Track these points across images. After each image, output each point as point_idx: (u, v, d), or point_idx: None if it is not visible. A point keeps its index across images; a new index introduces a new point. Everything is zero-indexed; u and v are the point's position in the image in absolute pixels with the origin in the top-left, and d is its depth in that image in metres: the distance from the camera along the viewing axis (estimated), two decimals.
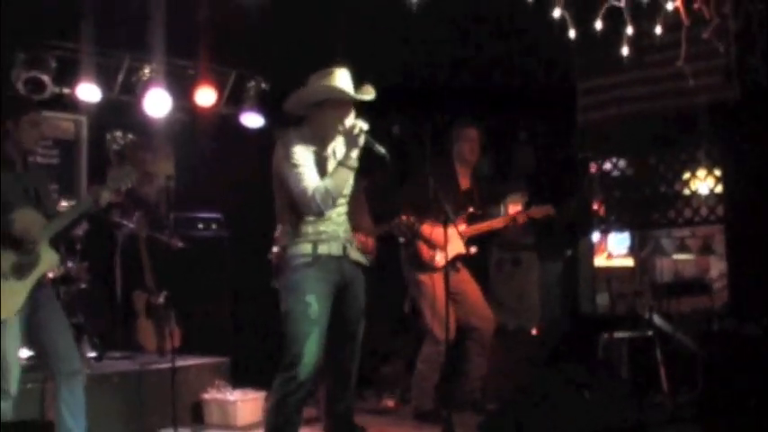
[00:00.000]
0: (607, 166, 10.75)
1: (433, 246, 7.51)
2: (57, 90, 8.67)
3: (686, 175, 9.90)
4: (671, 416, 7.52)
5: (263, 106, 9.62)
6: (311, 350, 5.33)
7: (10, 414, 5.51)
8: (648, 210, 10.54)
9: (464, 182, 7.81)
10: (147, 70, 9.02)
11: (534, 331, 9.41)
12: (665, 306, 8.89)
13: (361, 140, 5.42)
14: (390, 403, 8.42)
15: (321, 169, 5.44)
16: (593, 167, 10.79)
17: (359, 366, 6.16)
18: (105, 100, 8.92)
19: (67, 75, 8.72)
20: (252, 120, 9.66)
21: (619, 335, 8.44)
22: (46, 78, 8.43)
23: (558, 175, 10.31)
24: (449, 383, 7.29)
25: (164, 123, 9.26)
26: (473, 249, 7.63)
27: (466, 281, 7.81)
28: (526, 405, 6.44)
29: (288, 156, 5.40)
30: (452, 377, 7.63)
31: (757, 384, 7.39)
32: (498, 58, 8.84)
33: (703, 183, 9.60)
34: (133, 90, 9.11)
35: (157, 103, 8.99)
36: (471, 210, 7.67)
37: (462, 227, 7.58)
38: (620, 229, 11.47)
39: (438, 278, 7.37)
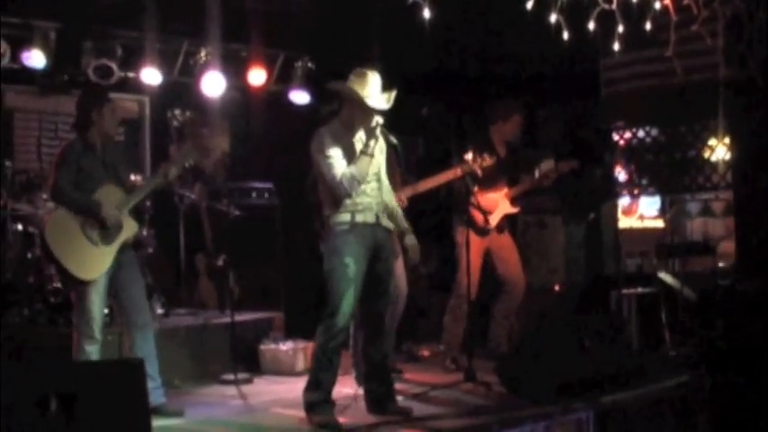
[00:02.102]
0: (640, 134, 11.40)
1: (483, 210, 8.26)
2: (122, 74, 9.18)
3: (712, 142, 10.51)
4: (669, 364, 8.16)
5: (309, 84, 10.00)
6: (348, 303, 6.17)
7: (96, 357, 6.37)
8: (677, 174, 11.17)
9: (501, 152, 8.50)
10: (203, 54, 9.49)
11: (557, 289, 10.09)
12: (673, 265, 9.51)
13: (378, 132, 6.28)
14: (425, 353, 9.13)
15: (348, 157, 6.26)
16: (620, 137, 11.44)
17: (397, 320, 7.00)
18: (166, 82, 9.39)
19: (132, 60, 9.23)
20: (299, 97, 10.08)
21: (627, 291, 9.12)
22: (113, 65, 9.01)
23: (583, 144, 10.95)
24: (473, 335, 8.03)
25: (219, 102, 9.71)
26: (517, 208, 8.52)
27: (509, 247, 8.55)
28: (535, 350, 7.09)
29: (320, 148, 6.26)
30: (477, 331, 8.36)
31: (752, 338, 8.06)
32: (523, 41, 9.38)
33: (724, 150, 10.18)
34: (191, 72, 9.59)
35: (213, 83, 9.43)
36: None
37: (505, 190, 8.46)
38: (650, 193, 12.08)
39: (480, 240, 8.25)
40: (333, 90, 6.59)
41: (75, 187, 6.38)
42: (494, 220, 8.36)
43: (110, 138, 6.70)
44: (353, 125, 6.40)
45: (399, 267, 7.86)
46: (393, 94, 6.34)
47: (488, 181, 8.27)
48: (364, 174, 6.27)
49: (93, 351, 6.36)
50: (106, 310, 6.85)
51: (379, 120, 6.29)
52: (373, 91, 6.30)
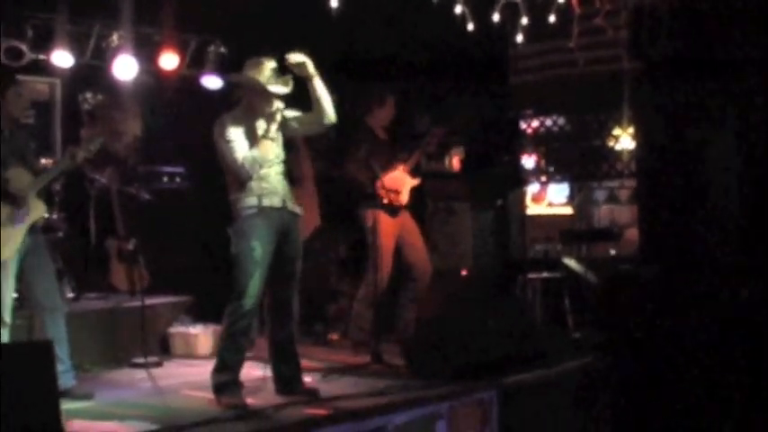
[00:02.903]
0: (548, 122, 11.64)
1: (392, 189, 8.47)
2: (33, 57, 9.05)
3: (617, 132, 10.76)
4: (572, 346, 8.39)
5: (221, 69, 9.93)
6: (255, 285, 6.29)
7: (5, 340, 6.35)
8: (583, 162, 11.43)
9: (382, 136, 8.80)
10: (115, 37, 9.38)
11: (464, 273, 10.25)
12: (578, 251, 9.76)
13: (278, 117, 6.47)
14: (335, 336, 9.24)
15: (250, 141, 6.42)
16: (528, 125, 11.67)
17: (307, 304, 7.13)
18: (77, 64, 9.27)
19: (43, 42, 9.07)
20: (212, 81, 10.02)
21: (532, 276, 9.34)
22: (23, 47, 8.91)
23: (491, 132, 11.14)
24: (381, 319, 8.15)
25: (131, 86, 9.60)
26: (419, 179, 8.72)
27: (416, 232, 8.73)
28: (441, 332, 7.26)
29: (222, 133, 6.41)
30: (385, 316, 8.50)
31: (650, 321, 8.32)
32: (434, 32, 9.53)
33: (629, 140, 10.44)
34: (103, 55, 9.47)
35: (125, 67, 9.30)
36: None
37: (402, 166, 8.66)
38: (558, 180, 12.33)
39: (391, 221, 8.43)
40: (233, 81, 6.80)
41: None
42: (404, 196, 8.56)
43: (16, 121, 6.69)
44: (254, 111, 6.54)
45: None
46: (290, 77, 6.50)
47: (382, 162, 8.48)
48: (266, 156, 6.42)
49: (4, 335, 6.37)
50: (15, 294, 6.84)
51: (279, 105, 6.44)
52: (270, 77, 6.47)
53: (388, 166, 8.54)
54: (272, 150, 6.52)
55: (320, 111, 6.57)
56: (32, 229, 6.53)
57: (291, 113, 6.65)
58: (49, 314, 6.57)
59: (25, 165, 6.57)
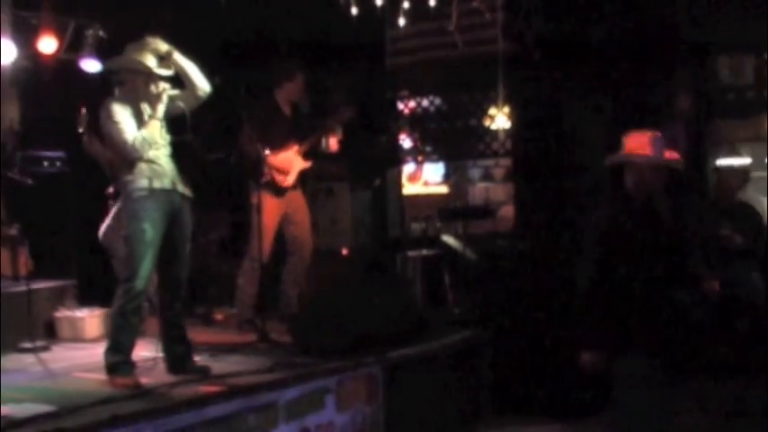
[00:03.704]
0: (425, 103, 11.86)
1: (279, 170, 8.61)
2: None
3: (492, 112, 11.02)
4: (452, 321, 8.64)
5: (100, 52, 9.71)
6: (146, 266, 6.42)
7: None
8: (459, 142, 11.67)
9: (287, 112, 8.90)
10: None
11: (345, 252, 10.47)
12: (456, 229, 10.01)
13: (165, 98, 6.62)
14: (219, 316, 9.39)
15: (138, 123, 6.54)
16: (405, 105, 11.87)
17: (190, 286, 7.26)
18: None
19: None
20: (90, 65, 9.78)
21: (412, 253, 9.57)
22: None
23: (368, 112, 11.31)
24: (264, 298, 8.35)
25: (9, 70, 9.47)
26: (309, 162, 8.85)
27: (303, 210, 8.91)
28: (326, 310, 7.47)
29: (109, 115, 6.52)
30: (268, 291, 8.66)
31: (525, 294, 8.63)
32: (312, 13, 9.71)
33: (504, 119, 10.72)
34: None
35: (3, 51, 9.04)
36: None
37: (296, 147, 8.76)
38: (434, 160, 12.57)
39: (276, 201, 8.56)
40: (113, 67, 6.90)
41: None
42: (291, 178, 8.69)
43: None
44: (138, 94, 6.66)
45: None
46: (173, 56, 6.63)
47: (278, 141, 8.61)
48: (155, 137, 6.56)
49: None
50: None
51: (165, 86, 6.60)
52: (153, 59, 6.60)
53: (282, 144, 8.64)
54: (160, 132, 6.65)
55: (192, 85, 6.72)
56: None
57: (173, 92, 6.78)
58: None
59: None
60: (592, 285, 5.59)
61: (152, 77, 6.61)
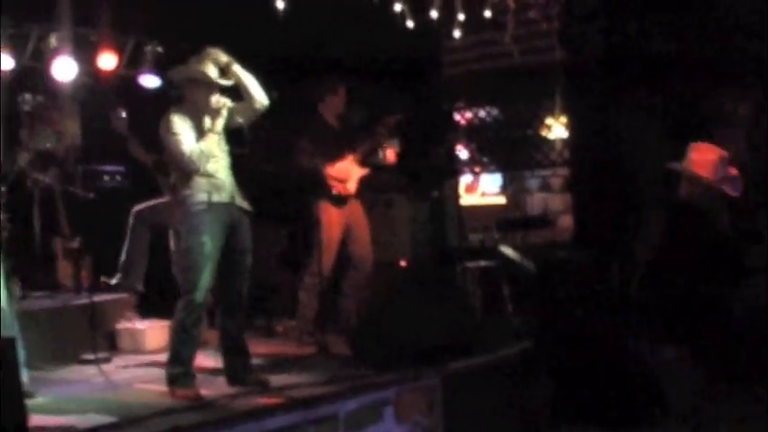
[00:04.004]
0: (481, 113, 11.85)
1: (338, 179, 8.66)
2: None
3: (549, 122, 10.98)
4: (511, 332, 8.61)
5: (159, 68, 9.94)
6: (205, 279, 6.50)
7: None
8: (516, 152, 11.65)
9: (335, 125, 8.95)
10: (53, 39, 9.34)
11: (403, 264, 10.47)
12: (514, 239, 9.97)
13: (224, 112, 6.68)
14: (279, 328, 9.39)
15: (198, 136, 6.62)
16: (462, 116, 11.86)
17: (251, 298, 7.32)
18: (17, 67, 9.19)
19: None
20: (149, 80, 10.08)
21: (470, 265, 9.54)
22: None
23: (426, 124, 11.33)
24: (325, 311, 8.35)
25: (70, 86, 9.66)
26: (368, 169, 8.89)
27: (363, 223, 8.92)
28: (385, 322, 7.52)
29: (168, 128, 6.61)
30: (329, 306, 8.68)
31: (585, 305, 8.56)
32: (369, 26, 9.71)
33: (561, 129, 10.68)
34: (42, 57, 9.41)
35: (64, 68, 9.32)
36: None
37: (350, 156, 8.80)
38: (491, 170, 12.55)
39: (337, 212, 8.62)
40: (175, 78, 6.97)
41: None
42: (351, 185, 8.74)
43: None
44: (199, 106, 6.73)
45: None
46: (232, 68, 6.70)
47: (332, 153, 8.67)
48: (212, 150, 6.62)
49: None
50: None
51: (226, 101, 6.67)
52: (214, 70, 6.68)
53: (337, 155, 8.69)
54: (218, 145, 6.71)
55: (250, 97, 6.78)
56: None
57: (231, 104, 6.84)
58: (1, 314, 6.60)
59: None
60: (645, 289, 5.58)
61: (212, 89, 6.68)
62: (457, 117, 11.84)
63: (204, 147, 6.58)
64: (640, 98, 9.01)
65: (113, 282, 8.86)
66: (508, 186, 12.92)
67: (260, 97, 6.80)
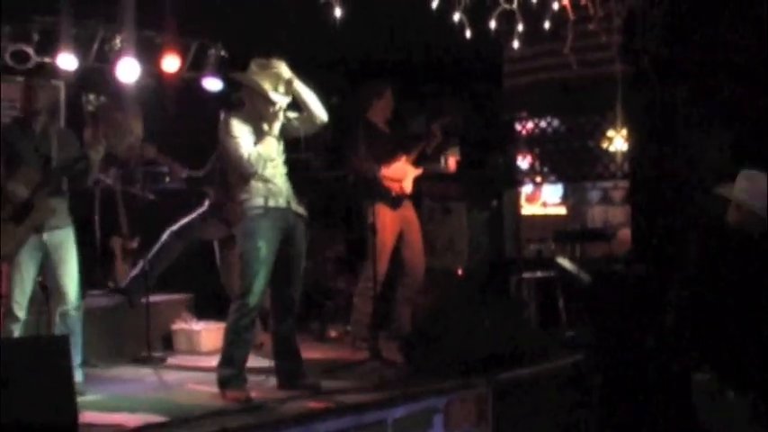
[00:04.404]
0: (542, 124, 11.80)
1: (393, 179, 8.69)
2: (39, 60, 9.21)
3: (610, 133, 10.91)
4: (565, 344, 8.55)
5: (221, 71, 10.18)
6: (260, 283, 6.53)
7: (18, 334, 6.53)
8: (576, 163, 11.58)
9: (386, 129, 8.97)
10: (118, 40, 9.57)
11: (460, 272, 10.47)
12: (572, 251, 9.93)
13: (281, 116, 6.70)
14: (334, 333, 9.43)
15: (256, 140, 6.66)
16: (523, 126, 11.83)
17: (305, 302, 7.37)
18: (81, 67, 9.43)
19: (48, 45, 9.25)
20: (212, 83, 10.28)
21: (527, 275, 9.52)
22: (29, 50, 9.09)
23: (486, 133, 11.32)
24: (378, 316, 8.33)
25: (133, 88, 9.69)
26: (421, 169, 8.91)
27: (414, 225, 8.93)
28: (438, 330, 7.49)
29: (227, 131, 6.66)
30: (383, 312, 8.66)
31: (641, 319, 8.47)
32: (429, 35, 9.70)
33: (621, 141, 10.61)
34: (106, 58, 9.64)
35: (128, 69, 9.46)
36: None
37: (404, 158, 8.81)
38: (552, 181, 12.50)
39: (392, 215, 8.64)
40: (238, 80, 6.98)
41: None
42: (407, 184, 8.77)
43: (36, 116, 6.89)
44: (257, 110, 6.76)
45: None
46: (293, 85, 6.70)
47: (385, 156, 8.69)
48: (270, 153, 6.66)
49: (15, 329, 6.57)
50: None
51: (282, 105, 6.69)
52: (273, 80, 6.68)
53: (390, 157, 8.71)
54: (275, 149, 6.75)
55: (311, 114, 6.81)
56: (55, 228, 6.74)
57: (292, 114, 6.88)
58: (68, 311, 6.75)
59: (41, 165, 6.74)
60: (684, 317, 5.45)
61: (269, 99, 6.71)
62: (518, 127, 11.79)
63: (262, 150, 6.61)
64: (702, 111, 8.92)
65: (115, 287, 8.89)
66: (569, 197, 12.85)
67: (319, 113, 6.82)
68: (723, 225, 5.70)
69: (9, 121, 6.92)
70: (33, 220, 6.67)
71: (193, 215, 8.84)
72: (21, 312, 6.61)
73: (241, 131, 6.67)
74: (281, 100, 6.67)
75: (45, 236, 6.71)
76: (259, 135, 6.69)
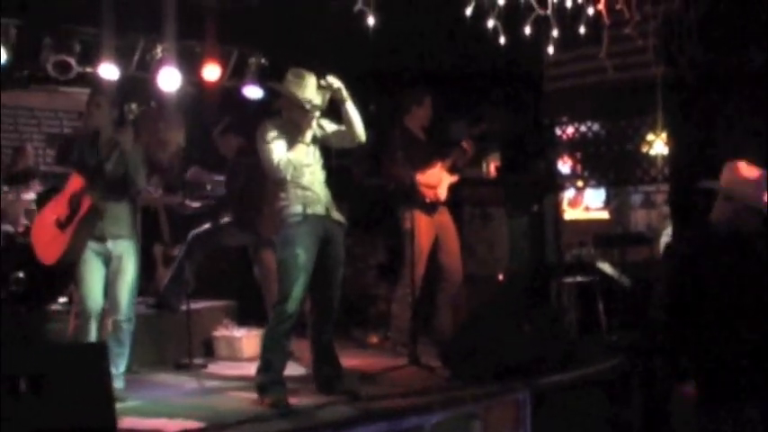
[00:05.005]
0: (582, 128, 11.77)
1: (428, 185, 8.71)
2: (81, 70, 9.38)
3: (650, 137, 10.87)
4: (605, 348, 8.51)
5: (262, 79, 10.23)
6: (298, 290, 6.57)
7: (89, 337, 6.64)
8: (617, 168, 11.54)
9: (422, 136, 9.00)
10: (159, 50, 9.70)
11: (500, 278, 10.46)
12: (612, 255, 9.88)
13: (314, 124, 6.77)
14: (374, 339, 9.43)
15: (290, 147, 6.71)
16: (563, 131, 11.80)
17: (347, 309, 7.40)
18: (123, 77, 9.49)
19: (90, 55, 9.40)
20: (253, 92, 10.36)
21: (567, 280, 9.50)
22: (72, 60, 9.24)
23: (526, 138, 11.32)
24: (417, 322, 8.31)
25: (175, 97, 9.83)
26: (457, 176, 8.95)
27: (450, 230, 8.93)
28: (477, 336, 7.49)
29: (262, 137, 6.74)
30: (422, 318, 8.68)
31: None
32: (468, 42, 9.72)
33: (662, 145, 10.55)
34: (147, 67, 9.79)
35: (169, 78, 9.60)
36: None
37: (440, 164, 8.85)
38: (593, 185, 12.47)
39: (428, 220, 8.65)
40: (275, 88, 7.08)
41: None
42: (442, 191, 8.79)
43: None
44: (292, 118, 6.83)
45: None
46: (327, 95, 6.78)
47: (422, 163, 8.70)
48: (301, 159, 6.71)
49: (89, 330, 6.68)
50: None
51: (316, 113, 6.74)
52: (308, 90, 6.76)
53: (426, 164, 8.72)
54: (308, 155, 6.79)
55: (351, 131, 6.85)
56: (118, 237, 6.82)
57: (328, 125, 6.94)
58: (120, 322, 6.81)
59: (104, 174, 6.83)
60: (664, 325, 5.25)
61: (304, 109, 6.76)
62: (558, 132, 11.76)
63: (293, 156, 6.66)
64: (741, 114, 8.87)
65: (155, 302, 8.94)
66: (611, 201, 12.82)
67: (359, 132, 6.85)
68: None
69: (75, 131, 6.96)
70: (96, 227, 6.74)
71: (218, 221, 8.86)
72: (92, 317, 6.70)
73: (273, 138, 6.74)
74: (311, 107, 6.72)
75: (109, 243, 6.77)
76: (293, 142, 6.75)
